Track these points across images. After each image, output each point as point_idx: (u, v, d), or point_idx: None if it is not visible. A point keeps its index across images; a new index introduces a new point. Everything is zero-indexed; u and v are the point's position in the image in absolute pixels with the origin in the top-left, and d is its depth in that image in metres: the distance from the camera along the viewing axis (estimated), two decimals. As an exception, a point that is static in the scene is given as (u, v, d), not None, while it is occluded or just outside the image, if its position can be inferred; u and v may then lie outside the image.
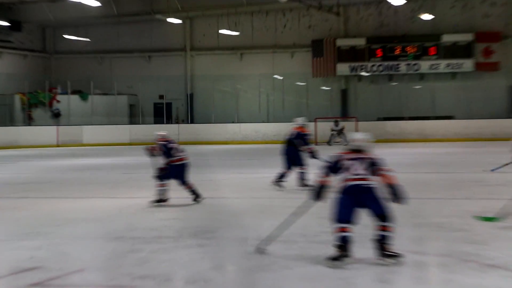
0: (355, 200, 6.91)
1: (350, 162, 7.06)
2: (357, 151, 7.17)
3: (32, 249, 7.99)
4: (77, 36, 39.60)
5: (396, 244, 7.74)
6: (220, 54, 39.42)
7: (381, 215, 6.92)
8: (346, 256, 6.87)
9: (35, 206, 12.00)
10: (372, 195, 6.93)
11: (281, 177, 13.88)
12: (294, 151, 14.06)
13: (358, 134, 7.49)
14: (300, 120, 14.59)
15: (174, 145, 11.89)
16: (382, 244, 6.92)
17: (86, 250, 8.07)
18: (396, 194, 7.03)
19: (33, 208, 11.67)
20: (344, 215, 6.91)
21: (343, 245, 6.86)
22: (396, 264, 6.91)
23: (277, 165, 15.53)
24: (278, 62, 38.50)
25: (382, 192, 7.03)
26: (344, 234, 6.88)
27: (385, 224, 6.94)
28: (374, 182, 6.97)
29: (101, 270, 7.07)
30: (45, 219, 10.32)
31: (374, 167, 7.01)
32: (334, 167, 7.17)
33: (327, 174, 7.23)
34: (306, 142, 14.14)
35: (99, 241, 8.63)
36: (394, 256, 6.91)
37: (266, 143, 33.40)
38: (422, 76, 36.43)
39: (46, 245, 8.26)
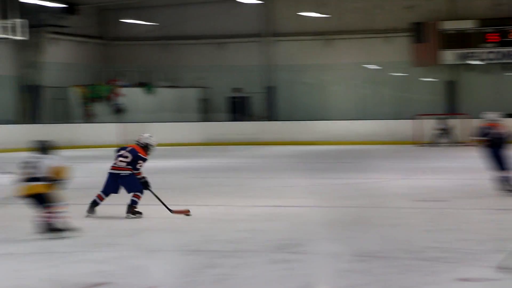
0: None
1: None
2: None
3: (99, 262, 8.23)
4: (140, 20, 40.18)
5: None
6: (304, 40, 39.40)
7: None
8: None
9: (101, 214, 12.23)
10: None
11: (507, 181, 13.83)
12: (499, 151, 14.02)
13: None
14: (492, 115, 14.62)
15: (121, 152, 12.27)
16: None
17: (159, 265, 8.25)
18: None
19: (100, 217, 11.94)
20: None
21: None
22: None
23: (372, 169, 15.59)
24: (372, 49, 38.22)
25: None
26: None
27: None
28: None
29: (176, 287, 7.24)
30: (113, 229, 10.61)
31: None
32: None
33: None
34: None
35: (173, 254, 8.80)
36: None
37: (360, 143, 33.20)
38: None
39: (115, 258, 8.49)
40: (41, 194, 9.73)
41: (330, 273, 7.70)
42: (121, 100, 38.01)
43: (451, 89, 37.30)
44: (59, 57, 38.11)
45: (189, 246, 9.14)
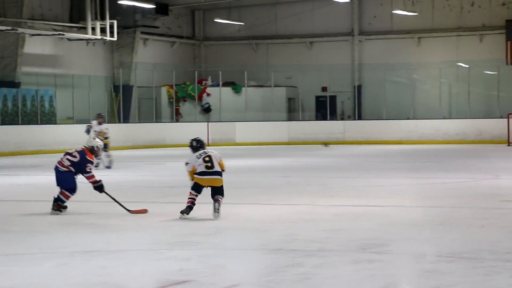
0: None
1: None
2: None
3: (181, 260, 8.27)
4: (230, 20, 40.49)
5: None
6: (393, 39, 39.13)
7: None
8: None
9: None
10: None
11: None
12: None
13: None
14: None
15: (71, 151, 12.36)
16: None
17: (240, 263, 8.24)
18: None
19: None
20: None
21: None
22: None
23: (460, 169, 15.35)
24: (464, 47, 37.75)
25: None
26: None
27: None
28: None
29: (257, 285, 7.19)
30: (196, 227, 10.66)
31: None
32: None
33: None
34: None
35: (255, 253, 8.81)
36: None
37: (447, 143, 32.86)
38: None
39: (197, 256, 8.53)
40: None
41: (413, 273, 7.60)
42: (209, 100, 38.37)
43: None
44: (150, 58, 38.68)
45: (271, 245, 9.13)
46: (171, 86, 37.94)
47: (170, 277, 7.42)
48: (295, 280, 7.22)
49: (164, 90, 38.18)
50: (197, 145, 11.85)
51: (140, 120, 36.68)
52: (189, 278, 7.30)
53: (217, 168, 11.35)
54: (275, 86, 38.78)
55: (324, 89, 39.40)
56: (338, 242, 9.27)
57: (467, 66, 36.89)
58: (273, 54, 41.17)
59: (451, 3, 37.87)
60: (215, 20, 40.74)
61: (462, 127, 33.90)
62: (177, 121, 37.62)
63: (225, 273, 7.74)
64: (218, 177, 11.33)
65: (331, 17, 39.90)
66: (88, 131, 21.33)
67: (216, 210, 11.14)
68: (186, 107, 38.45)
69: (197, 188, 11.32)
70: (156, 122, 36.94)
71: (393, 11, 37.79)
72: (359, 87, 39.50)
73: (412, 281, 7.32)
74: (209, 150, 11.67)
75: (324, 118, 37.81)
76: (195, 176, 11.37)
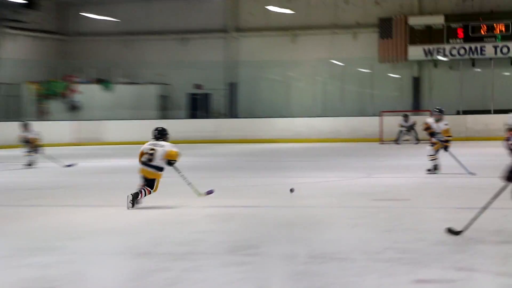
0: None
1: None
2: None
3: (42, 266, 8.06)
4: (102, 15, 39.99)
5: (476, 264, 7.72)
6: (269, 36, 39.45)
7: None
8: None
9: (46, 215, 12.14)
10: None
11: None
12: None
13: None
14: None
15: None
16: None
17: (105, 269, 8.13)
18: None
19: (44, 218, 11.80)
20: None
21: None
22: None
23: (333, 168, 15.54)
24: (338, 45, 38.40)
25: None
26: None
27: None
28: None
29: (122, 292, 7.13)
30: (57, 232, 10.43)
31: None
32: None
33: None
34: None
35: (120, 257, 8.69)
36: None
37: (322, 141, 33.32)
38: (512, 61, 36.07)
39: (59, 262, 8.32)
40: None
41: (284, 275, 7.60)
42: (77, 97, 37.80)
43: (416, 85, 37.59)
44: (16, 53, 37.88)
45: (137, 249, 9.01)
46: (36, 83, 37.15)
47: (29, 284, 7.25)
48: (162, 285, 7.15)
49: (26, 87, 37.26)
50: (156, 135, 12.78)
51: (3, 118, 35.67)
52: (50, 286, 7.15)
53: (156, 162, 12.45)
54: (147, 83, 38.49)
55: (198, 86, 39.38)
56: (208, 245, 9.23)
57: (342, 64, 37.54)
58: (146, 51, 40.90)
59: (326, 1, 38.47)
60: (86, 15, 40.17)
61: (336, 125, 34.45)
62: (42, 119, 36.82)
63: (87, 279, 7.59)
64: (153, 170, 12.51)
65: (206, 13, 39.94)
66: None
67: (130, 201, 12.08)
68: (52, 105, 37.70)
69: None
70: (20, 120, 36.04)
71: (269, 8, 38.07)
72: (234, 84, 39.65)
73: (282, 283, 7.32)
74: (160, 143, 12.55)
75: (198, 117, 37.77)
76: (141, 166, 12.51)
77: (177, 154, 12.60)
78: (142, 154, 12.60)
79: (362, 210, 12.11)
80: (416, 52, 36.65)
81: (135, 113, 36.86)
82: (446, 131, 16.91)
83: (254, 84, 38.33)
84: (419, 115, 33.78)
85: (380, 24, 37.17)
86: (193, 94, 39.72)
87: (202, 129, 35.48)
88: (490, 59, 35.88)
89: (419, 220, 11.07)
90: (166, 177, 12.93)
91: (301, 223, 10.88)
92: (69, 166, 21.10)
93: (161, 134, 12.77)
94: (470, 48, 35.96)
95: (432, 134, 17.06)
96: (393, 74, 37.91)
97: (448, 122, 17.36)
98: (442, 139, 16.84)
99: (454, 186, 15.10)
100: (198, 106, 38.63)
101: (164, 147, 12.54)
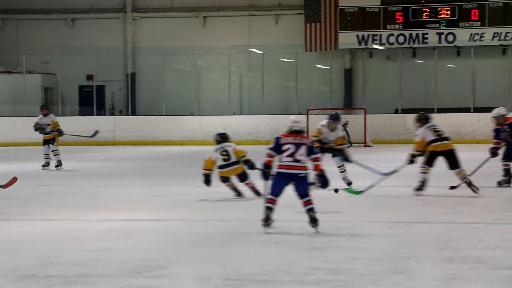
0: (286, 182, 11.33)
1: (288, 145, 11.25)
2: (297, 133, 11.38)
3: None
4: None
5: (419, 286, 7.95)
6: (174, 17, 39.49)
7: (305, 195, 11.31)
8: (270, 220, 11.44)
9: None
10: (302, 182, 11.28)
11: None
12: None
13: (294, 116, 11.80)
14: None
15: None
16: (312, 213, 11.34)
17: (-20, 295, 8.12)
18: (322, 182, 12.59)
19: None
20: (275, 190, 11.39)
21: (269, 213, 11.40)
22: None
23: (254, 174, 15.66)
24: (257, 30, 38.63)
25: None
26: (271, 205, 11.42)
27: (309, 199, 11.31)
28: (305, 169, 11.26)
29: (4, 321, 7.14)
30: None
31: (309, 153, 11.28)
32: (276, 149, 11.31)
33: (270, 156, 11.39)
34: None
35: (1, 281, 8.66)
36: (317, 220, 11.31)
37: (239, 143, 33.32)
38: (458, 51, 36.64)
39: None
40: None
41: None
42: None
43: (349, 78, 37.96)
44: None
45: (21, 271, 8.98)
46: None
47: None
48: (51, 313, 7.20)
49: None
50: (219, 139, 15.45)
51: None
52: None
53: (233, 159, 15.12)
54: (28, 72, 38.07)
55: (90, 77, 39.18)
56: (106, 265, 9.24)
57: (261, 52, 37.70)
58: (25, 33, 40.47)
59: (243, -24, 38.71)
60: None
61: (255, 125, 34.60)
62: None
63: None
64: (235, 166, 15.16)
65: (99, -11, 39.80)
66: None
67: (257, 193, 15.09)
68: None
69: (224, 180, 15.38)
70: None
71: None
72: (133, 75, 39.54)
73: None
74: (227, 144, 15.28)
75: (90, 113, 37.52)
76: (219, 170, 15.27)
77: (243, 151, 15.32)
78: (212, 162, 15.22)
79: (286, 224, 12.25)
80: (348, 39, 37.02)
81: (13, 108, 36.47)
82: (340, 139, 16.97)
83: (158, 75, 38.23)
84: (352, 114, 34.22)
85: (306, 5, 37.42)
86: (85, 87, 39.50)
87: (97, 128, 35.22)
88: (434, 48, 36.38)
89: (352, 236, 11.26)
90: (49, 186, 12.88)
91: (216, 240, 10.98)
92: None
93: (223, 138, 15.46)
94: (411, 36, 36.46)
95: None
96: (321, 65, 38.26)
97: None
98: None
99: (389, 197, 15.35)
100: (91, 101, 38.38)
101: (231, 146, 15.31)
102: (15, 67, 38.64)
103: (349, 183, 16.71)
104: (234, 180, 15.39)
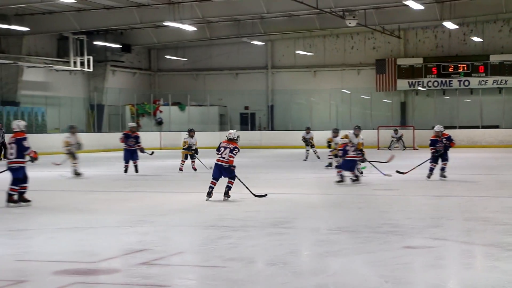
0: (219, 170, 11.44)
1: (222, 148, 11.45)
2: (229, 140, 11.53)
3: (141, 234, 8.21)
4: (177, 56, 40.30)
5: (448, 235, 7.75)
6: (296, 72, 39.44)
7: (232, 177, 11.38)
8: (211, 195, 11.31)
9: (143, 198, 12.29)
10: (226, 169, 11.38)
11: None
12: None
13: (231, 130, 11.88)
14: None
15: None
16: (228, 191, 11.42)
17: (185, 236, 8.24)
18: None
19: (141, 200, 11.92)
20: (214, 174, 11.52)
21: (211, 191, 11.35)
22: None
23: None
24: (346, 78, 38.27)
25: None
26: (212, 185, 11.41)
27: (231, 181, 11.41)
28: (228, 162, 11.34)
29: (197, 253, 7.21)
30: (151, 209, 10.57)
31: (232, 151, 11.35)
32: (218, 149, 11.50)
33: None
34: None
35: (195, 228, 8.79)
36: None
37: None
38: (472, 91, 35.60)
39: (153, 231, 8.47)
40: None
41: (310, 242, 7.68)
42: (161, 116, 38.11)
43: (403, 108, 37.39)
44: (118, 84, 38.26)
45: (207, 223, 9.11)
46: (133, 105, 37.58)
47: (132, 246, 7.38)
48: (225, 248, 7.24)
49: (127, 108, 37.73)
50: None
51: (110, 130, 36.08)
52: (146, 247, 7.26)
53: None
54: (211, 105, 38.66)
55: (246, 107, 39.51)
56: (257, 220, 9.30)
57: (349, 92, 37.39)
58: (209, 82, 41.05)
59: (337, 47, 38.35)
60: (166, 56, 40.53)
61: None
62: (138, 131, 37.10)
63: (173, 243, 7.71)
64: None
65: (252, 55, 39.98)
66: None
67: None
68: (144, 121, 38.03)
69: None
70: (122, 132, 36.32)
71: (296, 51, 38.12)
72: (272, 106, 39.68)
73: (308, 248, 7.39)
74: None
75: (247, 129, 37.83)
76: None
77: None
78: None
79: (365, 197, 12.11)
80: (402, 84, 36.40)
81: (202, 126, 37.04)
82: (360, 144, 15.22)
83: (286, 106, 38.28)
84: (405, 129, 33.63)
85: (376, 63, 36.97)
86: (243, 114, 39.81)
87: (251, 138, 35.48)
88: (456, 89, 35.52)
89: (406, 204, 11.08)
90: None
91: (322, 205, 10.94)
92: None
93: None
94: (442, 82, 35.65)
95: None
96: (386, 99, 37.70)
97: (363, 138, 15.98)
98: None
99: (429, 181, 15.03)
100: (247, 122, 38.67)
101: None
102: (203, 102, 39.21)
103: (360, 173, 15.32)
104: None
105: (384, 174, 15.12)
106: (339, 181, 14.08)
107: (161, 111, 38.32)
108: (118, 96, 36.87)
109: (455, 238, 7.68)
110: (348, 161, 14.26)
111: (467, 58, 35.34)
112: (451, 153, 15.59)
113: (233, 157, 11.44)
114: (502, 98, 35.05)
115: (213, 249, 7.20)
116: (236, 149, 11.54)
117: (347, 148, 14.38)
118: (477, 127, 34.19)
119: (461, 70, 35.25)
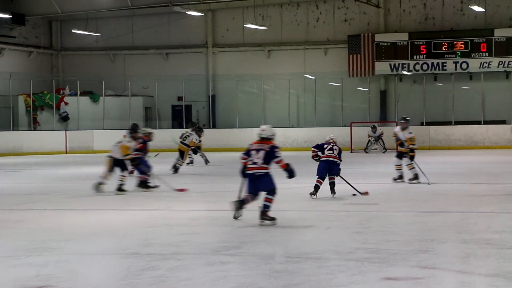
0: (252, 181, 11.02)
1: (253, 151, 11.20)
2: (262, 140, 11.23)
3: (38, 266, 8.09)
4: (87, 31, 39.86)
5: (440, 263, 7.85)
6: (245, 51, 39.52)
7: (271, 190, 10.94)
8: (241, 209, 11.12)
9: (41, 219, 12.14)
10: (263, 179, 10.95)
11: None
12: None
13: (263, 126, 11.48)
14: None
15: None
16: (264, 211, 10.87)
17: (98, 268, 8.16)
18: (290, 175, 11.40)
19: (39, 221, 11.81)
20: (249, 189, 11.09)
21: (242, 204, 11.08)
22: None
23: (309, 175, 15.61)
24: (310, 60, 38.52)
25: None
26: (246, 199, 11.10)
27: (269, 197, 10.92)
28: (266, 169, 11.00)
29: (114, 289, 7.17)
30: (52, 234, 10.43)
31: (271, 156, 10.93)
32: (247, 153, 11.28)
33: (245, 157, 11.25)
34: None
35: (112, 257, 8.72)
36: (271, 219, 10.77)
37: (296, 150, 33.37)
38: (471, 76, 36.21)
39: (54, 261, 8.35)
40: None
41: (263, 274, 7.66)
42: (67, 109, 37.68)
43: (383, 98, 37.75)
44: (7, 66, 37.57)
45: (128, 250, 9.04)
46: (28, 95, 37.02)
47: (26, 283, 7.25)
48: (150, 283, 7.19)
49: (21, 99, 37.19)
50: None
51: (2, 129, 35.47)
52: (46, 284, 7.15)
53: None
54: (132, 95, 38.45)
55: (180, 98, 39.39)
56: (193, 246, 9.27)
57: (313, 77, 37.62)
58: (130, 65, 40.85)
59: (298, 19, 38.59)
60: (73, 30, 39.99)
61: (309, 135, 34.52)
62: (34, 129, 36.72)
63: (82, 278, 7.61)
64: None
65: (186, 29, 39.93)
66: None
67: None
68: (43, 116, 37.58)
69: None
70: (13, 130, 35.91)
71: (244, 25, 38.13)
72: (213, 97, 39.67)
73: (262, 281, 7.39)
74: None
75: (180, 127, 37.69)
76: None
77: None
78: None
79: (334, 213, 12.19)
80: (382, 67, 36.82)
81: (122, 123, 36.74)
82: (410, 139, 16.64)
83: (232, 97, 38.33)
84: (386, 126, 33.98)
85: (349, 40, 37.30)
86: (176, 106, 39.72)
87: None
88: (451, 74, 36.02)
89: (386, 223, 11.17)
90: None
91: (278, 225, 10.94)
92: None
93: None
94: (433, 64, 36.14)
95: (401, 144, 17.02)
96: (361, 87, 38.07)
97: (412, 131, 17.18)
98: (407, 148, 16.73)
99: (417, 192, 15.23)
100: (181, 117, 38.56)
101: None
102: (122, 91, 39.00)
103: (416, 177, 16.62)
104: None
105: (361, 193, 15.10)
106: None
107: (66, 103, 37.91)
108: (8, 83, 36.31)
109: (449, 267, 7.76)
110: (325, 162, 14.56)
111: (465, 33, 35.94)
112: (439, 156, 15.86)
113: (280, 157, 11.08)
114: (510, 85, 35.72)
115: (135, 285, 7.14)
116: (276, 149, 11.14)
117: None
118: (478, 122, 34.81)
119: (458, 49, 35.85)
